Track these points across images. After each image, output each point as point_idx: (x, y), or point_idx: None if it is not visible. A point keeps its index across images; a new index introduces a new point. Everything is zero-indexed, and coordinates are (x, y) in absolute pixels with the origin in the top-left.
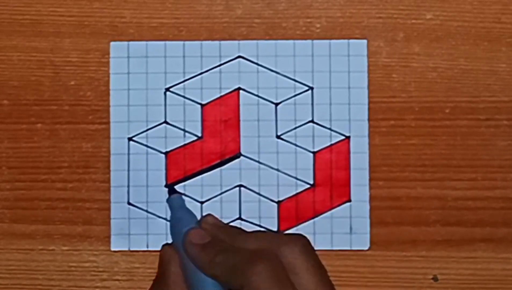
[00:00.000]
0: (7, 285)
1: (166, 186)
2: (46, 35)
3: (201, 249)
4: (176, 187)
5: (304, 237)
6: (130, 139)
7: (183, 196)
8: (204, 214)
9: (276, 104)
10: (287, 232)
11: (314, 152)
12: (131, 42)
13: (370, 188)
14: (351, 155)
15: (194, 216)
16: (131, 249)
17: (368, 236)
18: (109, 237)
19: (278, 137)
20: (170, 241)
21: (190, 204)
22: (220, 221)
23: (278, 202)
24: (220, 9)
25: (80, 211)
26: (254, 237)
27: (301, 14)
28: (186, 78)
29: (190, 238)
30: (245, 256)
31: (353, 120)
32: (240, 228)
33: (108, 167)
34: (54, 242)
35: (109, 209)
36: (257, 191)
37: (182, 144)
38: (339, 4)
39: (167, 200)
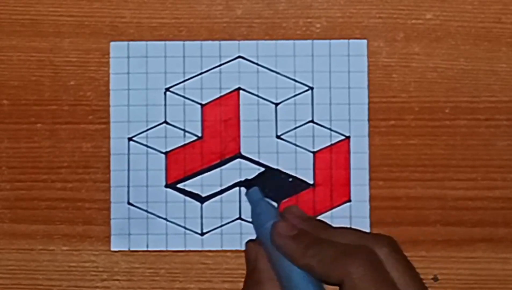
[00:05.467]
0: (7, 285)
1: (242, 183)
2: (46, 35)
3: (292, 241)
4: (176, 187)
5: (392, 237)
6: (130, 139)
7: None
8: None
9: (276, 104)
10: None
11: (314, 152)
12: (131, 42)
13: (370, 188)
14: (351, 155)
15: (274, 207)
16: (131, 249)
17: None
18: (109, 237)
19: (278, 137)
20: (170, 240)
21: (190, 204)
22: (304, 213)
23: (278, 202)
24: (220, 9)
25: (80, 211)
26: (343, 232)
27: (301, 14)
28: (186, 78)
29: (278, 230)
30: (342, 250)
31: (353, 120)
32: (323, 221)
33: (108, 167)
34: (54, 242)
35: (109, 209)
36: None
37: (182, 144)
38: (339, 4)
39: (246, 195)
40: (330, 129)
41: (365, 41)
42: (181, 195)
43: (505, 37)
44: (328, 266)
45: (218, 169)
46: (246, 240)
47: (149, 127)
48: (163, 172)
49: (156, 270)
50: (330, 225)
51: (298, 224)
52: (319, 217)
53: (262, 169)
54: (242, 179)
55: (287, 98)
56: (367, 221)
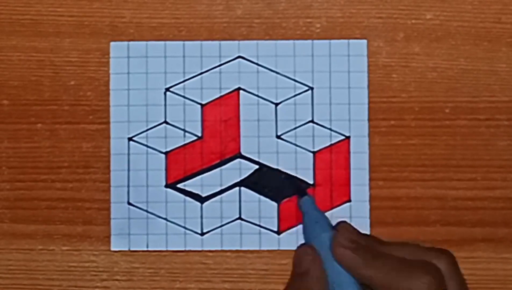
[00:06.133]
0: (7, 285)
1: (297, 190)
2: (46, 35)
3: (353, 252)
4: (176, 187)
5: (450, 252)
6: (130, 139)
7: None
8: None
9: (276, 104)
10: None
11: (314, 152)
12: (131, 42)
13: (370, 188)
14: (351, 155)
15: (327, 217)
16: (131, 249)
17: None
18: (109, 237)
19: (278, 137)
20: (170, 240)
21: (190, 204)
22: (356, 229)
23: (278, 202)
24: (220, 9)
25: (80, 211)
26: (401, 246)
27: (301, 14)
28: (186, 78)
29: (341, 241)
30: (406, 263)
31: (353, 120)
32: (377, 237)
33: (108, 167)
34: (54, 242)
35: (109, 209)
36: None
37: (182, 144)
38: (339, 4)
39: (298, 202)
40: (330, 129)
41: (365, 41)
42: (181, 195)
43: (505, 37)
44: (392, 278)
45: (218, 169)
46: (299, 244)
47: (149, 127)
48: (163, 172)
49: (156, 270)
50: (384, 240)
51: (356, 238)
52: None
53: (257, 166)
54: (242, 178)
55: (287, 98)
56: (367, 221)
